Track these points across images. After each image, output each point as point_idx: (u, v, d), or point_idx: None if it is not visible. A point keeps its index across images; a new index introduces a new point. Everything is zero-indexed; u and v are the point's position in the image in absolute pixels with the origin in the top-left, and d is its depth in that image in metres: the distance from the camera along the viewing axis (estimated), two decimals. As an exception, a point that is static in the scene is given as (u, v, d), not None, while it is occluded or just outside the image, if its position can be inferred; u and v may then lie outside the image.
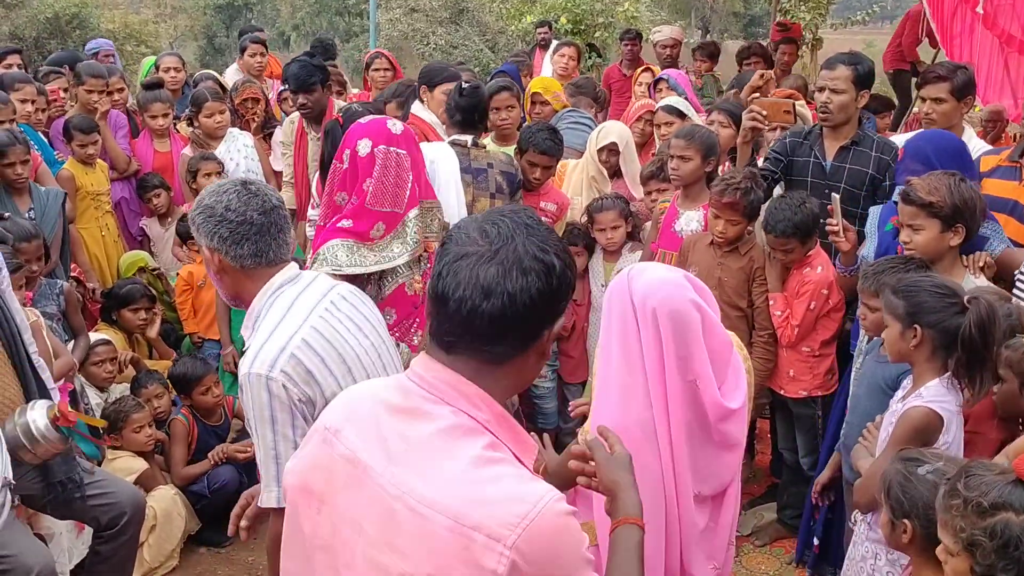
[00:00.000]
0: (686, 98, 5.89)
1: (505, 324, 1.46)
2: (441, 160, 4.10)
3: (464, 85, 4.41)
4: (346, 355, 2.26)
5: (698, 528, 2.33)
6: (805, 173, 4.25)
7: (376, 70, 6.80)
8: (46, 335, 3.92)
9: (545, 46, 9.99)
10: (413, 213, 3.41)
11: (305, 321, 2.24)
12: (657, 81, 6.21)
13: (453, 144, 4.30)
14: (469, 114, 4.37)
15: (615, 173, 5.07)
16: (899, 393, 2.96)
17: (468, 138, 4.34)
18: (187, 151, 5.97)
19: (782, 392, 4.17)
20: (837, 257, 3.91)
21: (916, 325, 2.78)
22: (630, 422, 2.22)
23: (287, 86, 5.17)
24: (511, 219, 1.51)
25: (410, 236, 3.46)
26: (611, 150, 5.00)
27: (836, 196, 3.80)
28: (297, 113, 5.28)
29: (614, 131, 5.07)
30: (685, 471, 2.27)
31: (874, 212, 3.95)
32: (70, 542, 3.94)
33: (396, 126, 3.40)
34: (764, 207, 4.06)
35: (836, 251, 3.91)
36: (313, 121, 5.14)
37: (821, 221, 3.90)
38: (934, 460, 2.38)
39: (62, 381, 3.94)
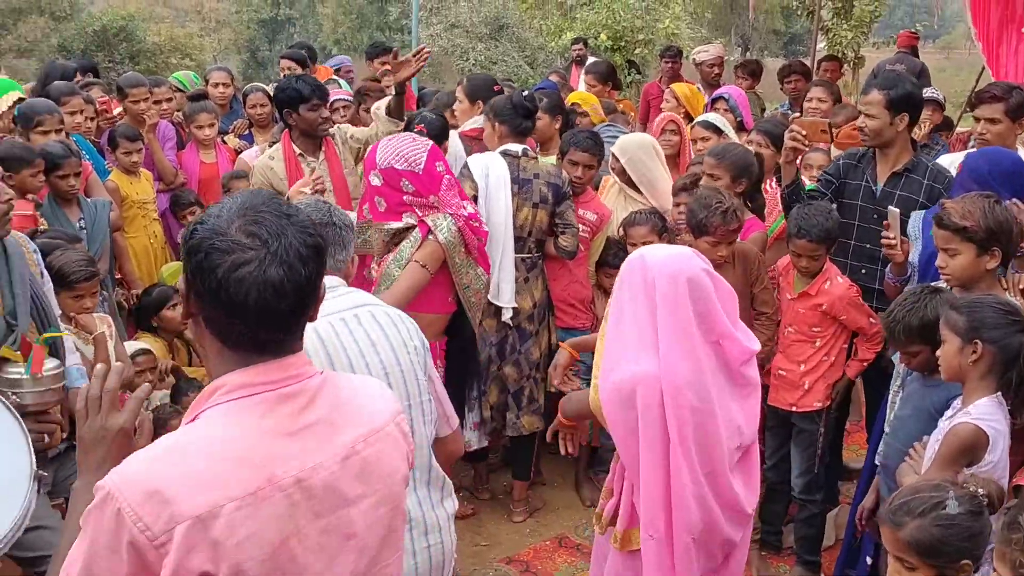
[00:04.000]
0: (741, 117, 5.89)
1: (301, 313, 1.59)
2: (493, 169, 4.36)
3: (524, 92, 4.68)
4: (338, 362, 2.34)
5: (730, 478, 2.65)
6: (855, 197, 4.26)
7: (386, 87, 6.84)
8: (113, 344, 4.00)
9: (581, 62, 10.04)
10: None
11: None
12: (715, 100, 6.17)
13: (504, 154, 4.46)
14: (531, 119, 4.65)
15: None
16: (948, 412, 2.94)
17: (519, 148, 4.50)
18: (248, 156, 5.91)
19: (793, 409, 4.13)
20: (888, 267, 3.91)
21: (977, 340, 2.77)
22: (638, 377, 2.55)
23: (314, 100, 4.67)
24: (269, 212, 1.55)
25: None
26: (614, 158, 5.02)
27: (895, 210, 3.78)
28: (273, 152, 4.87)
29: (618, 142, 5.10)
30: (719, 423, 2.58)
31: (916, 216, 3.93)
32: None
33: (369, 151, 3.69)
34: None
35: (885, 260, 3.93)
36: (308, 145, 4.75)
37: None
38: (940, 491, 2.31)
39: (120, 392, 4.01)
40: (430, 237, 3.56)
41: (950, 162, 4.44)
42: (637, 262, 2.64)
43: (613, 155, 5.02)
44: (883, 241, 3.78)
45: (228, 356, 1.58)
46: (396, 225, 3.54)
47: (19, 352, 3.02)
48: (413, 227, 3.57)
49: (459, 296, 3.76)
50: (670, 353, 2.54)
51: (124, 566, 1.47)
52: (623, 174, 4.99)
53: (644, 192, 4.95)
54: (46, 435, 3.11)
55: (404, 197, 3.52)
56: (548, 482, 5.15)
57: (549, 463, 5.24)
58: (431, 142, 3.70)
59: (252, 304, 1.50)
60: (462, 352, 3.88)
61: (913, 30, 9.54)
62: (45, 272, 3.44)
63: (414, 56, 4.84)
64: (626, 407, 2.60)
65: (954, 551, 2.24)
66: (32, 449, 2.88)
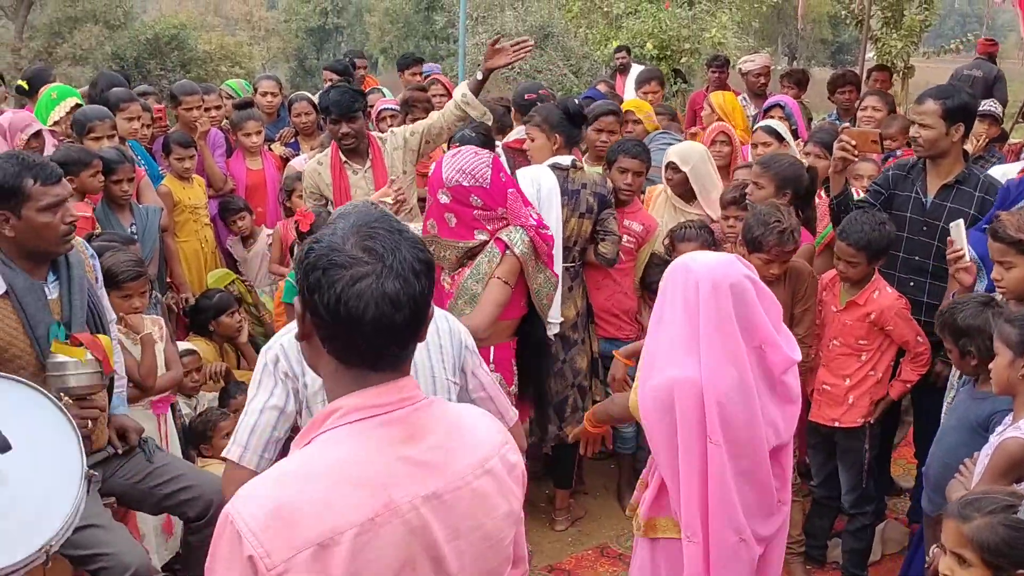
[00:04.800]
0: (796, 126, 5.88)
1: (416, 328, 1.59)
2: (544, 182, 4.33)
3: (575, 102, 4.70)
4: None
5: (771, 477, 2.76)
6: (905, 208, 4.20)
7: (432, 96, 6.91)
8: (163, 347, 4.11)
9: (624, 71, 10.03)
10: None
11: None
12: (770, 107, 6.15)
13: (554, 168, 4.44)
14: (580, 129, 4.70)
15: (692, 194, 5.07)
16: (999, 428, 2.90)
17: (568, 161, 4.50)
18: (297, 163, 6.08)
19: (835, 424, 4.06)
20: (954, 294, 3.77)
21: None
22: (677, 381, 2.62)
23: (329, 114, 4.78)
24: (383, 228, 1.57)
25: None
26: (671, 168, 5.01)
27: (960, 222, 3.67)
28: (322, 157, 4.95)
29: (675, 151, 5.09)
30: (761, 426, 2.66)
31: (959, 229, 3.69)
32: (157, 543, 4.06)
33: (433, 167, 3.64)
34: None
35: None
36: (353, 153, 4.81)
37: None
38: (1015, 497, 2.29)
39: (167, 393, 4.12)
40: (508, 252, 3.58)
41: (1002, 174, 4.38)
42: (680, 268, 2.70)
43: (671, 164, 5.00)
44: (950, 256, 3.66)
45: (344, 375, 1.58)
46: (470, 244, 3.57)
47: (69, 345, 3.12)
48: (486, 242, 3.60)
49: (531, 299, 3.80)
50: (712, 358, 2.58)
51: None
52: (681, 184, 4.98)
53: (701, 201, 4.95)
54: (89, 421, 3.19)
55: (474, 212, 3.54)
56: (590, 491, 5.15)
57: (592, 473, 5.24)
58: (493, 153, 3.72)
59: (370, 318, 1.50)
60: (535, 350, 3.91)
61: (989, 38, 9.49)
62: (100, 278, 3.53)
63: (512, 46, 4.77)
64: (664, 411, 2.66)
65: (1015, 556, 2.21)
66: (83, 449, 2.96)
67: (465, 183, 3.50)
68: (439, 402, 1.69)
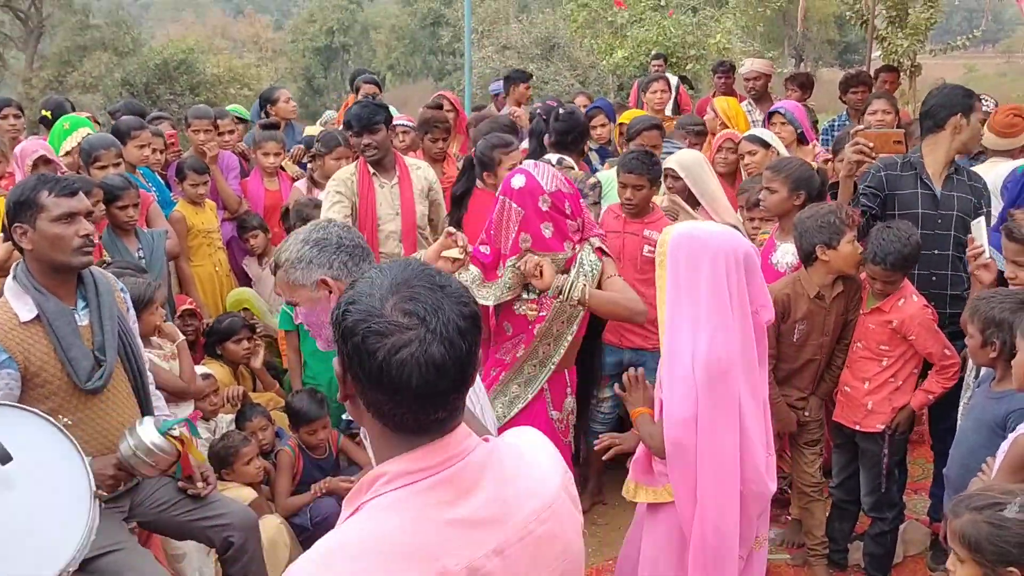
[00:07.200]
0: (801, 131, 5.90)
1: (463, 386, 1.51)
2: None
3: (561, 110, 4.84)
4: None
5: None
6: (914, 205, 4.14)
7: (448, 111, 6.93)
8: (179, 360, 4.25)
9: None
10: (511, 260, 3.62)
11: None
12: (771, 114, 6.14)
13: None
14: (563, 136, 4.85)
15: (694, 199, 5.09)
16: (1021, 426, 2.90)
17: (555, 158, 4.65)
18: (301, 186, 6.18)
19: (857, 427, 4.05)
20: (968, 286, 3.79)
21: None
22: (718, 353, 2.79)
23: (351, 128, 4.98)
24: (423, 287, 1.48)
25: (505, 279, 3.65)
26: (671, 176, 5.05)
27: (981, 219, 3.65)
28: (352, 167, 5.07)
29: (673, 159, 5.14)
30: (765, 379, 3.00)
31: (979, 227, 3.69)
32: (200, 561, 4.07)
33: (517, 180, 3.60)
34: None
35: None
36: (378, 165, 4.99)
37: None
38: (1008, 495, 2.28)
39: (191, 410, 4.17)
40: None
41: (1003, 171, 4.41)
42: (685, 241, 2.86)
43: (671, 172, 5.04)
44: (970, 254, 3.61)
45: (391, 438, 1.51)
46: (563, 255, 3.61)
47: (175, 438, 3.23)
48: (571, 258, 3.65)
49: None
50: (740, 329, 2.80)
51: None
52: (684, 190, 5.01)
53: (706, 207, 4.96)
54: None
55: (567, 222, 3.61)
56: (609, 501, 5.15)
57: (611, 482, 5.23)
58: None
59: (415, 386, 1.43)
60: (591, 355, 4.00)
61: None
62: (131, 309, 3.55)
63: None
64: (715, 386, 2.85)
65: (998, 552, 2.21)
66: (89, 471, 2.96)
67: (564, 189, 3.60)
68: (494, 447, 1.59)
